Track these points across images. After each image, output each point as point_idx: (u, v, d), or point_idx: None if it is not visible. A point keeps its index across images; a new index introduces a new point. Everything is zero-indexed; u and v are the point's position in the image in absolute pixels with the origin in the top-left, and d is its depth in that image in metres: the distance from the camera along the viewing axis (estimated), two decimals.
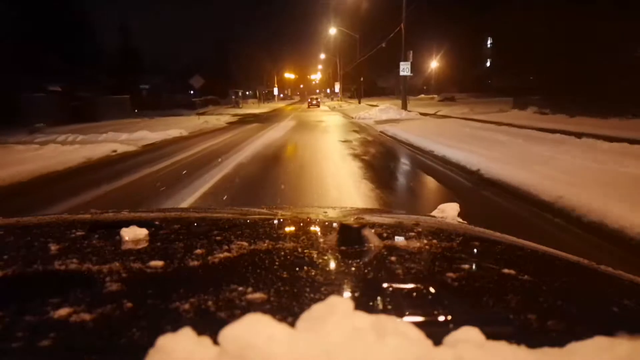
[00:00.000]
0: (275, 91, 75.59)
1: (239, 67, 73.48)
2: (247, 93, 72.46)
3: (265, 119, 24.21)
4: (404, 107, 22.10)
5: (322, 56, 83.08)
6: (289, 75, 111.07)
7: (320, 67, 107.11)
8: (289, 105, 57.96)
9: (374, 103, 40.52)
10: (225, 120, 22.27)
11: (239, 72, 72.23)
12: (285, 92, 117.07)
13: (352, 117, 21.75)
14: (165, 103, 43.21)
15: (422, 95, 55.84)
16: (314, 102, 43.97)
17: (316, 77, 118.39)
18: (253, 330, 0.39)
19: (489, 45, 51.64)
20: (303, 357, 0.37)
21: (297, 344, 0.38)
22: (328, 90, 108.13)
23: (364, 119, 19.68)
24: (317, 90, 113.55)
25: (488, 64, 52.49)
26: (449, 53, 51.22)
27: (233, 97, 48.79)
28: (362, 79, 54.32)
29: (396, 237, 0.92)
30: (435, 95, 48.90)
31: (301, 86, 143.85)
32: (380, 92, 65.75)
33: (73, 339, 0.50)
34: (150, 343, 0.38)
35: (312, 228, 1.07)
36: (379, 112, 20.61)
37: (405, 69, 21.34)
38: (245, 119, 24.70)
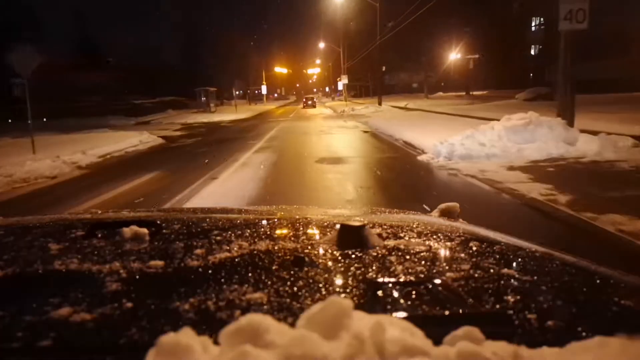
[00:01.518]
0: (264, 90, 63.70)
1: (212, 60, 61.86)
2: (238, 93, 63.64)
3: (218, 143, 13.88)
4: (569, 118, 9.19)
5: (322, 45, 70.78)
6: (281, 70, 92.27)
7: (318, 61, 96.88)
8: (279, 108, 49.43)
9: (402, 104, 32.25)
10: (94, 157, 11.05)
11: (214, 65, 60.29)
12: (279, 91, 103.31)
13: (422, 152, 9.29)
14: (97, 108, 33.59)
15: (441, 93, 47.37)
16: (309, 102, 45.47)
17: (314, 71, 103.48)
18: (253, 330, 0.42)
19: (534, 28, 43.03)
20: (303, 357, 0.40)
21: (297, 344, 0.41)
22: (327, 89, 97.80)
23: (496, 158, 7.96)
24: (314, 90, 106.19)
25: (533, 51, 43.83)
26: (477, 41, 41.51)
27: (203, 98, 38.99)
28: (384, 68, 44.57)
29: (396, 237, 0.97)
30: (460, 94, 41.85)
31: (297, 85, 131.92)
32: (389, 90, 55.18)
33: (73, 339, 0.54)
34: (150, 343, 0.41)
35: (312, 228, 1.12)
36: (505, 135, 8.40)
37: (575, 13, 9.17)
38: (173, 144, 14.82)
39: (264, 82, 64.33)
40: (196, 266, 0.77)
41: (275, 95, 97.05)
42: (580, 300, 0.72)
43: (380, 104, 30.99)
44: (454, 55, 43.75)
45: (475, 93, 43.15)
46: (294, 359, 0.40)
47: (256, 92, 73.51)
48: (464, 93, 44.05)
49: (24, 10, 42.31)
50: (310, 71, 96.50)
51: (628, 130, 9.80)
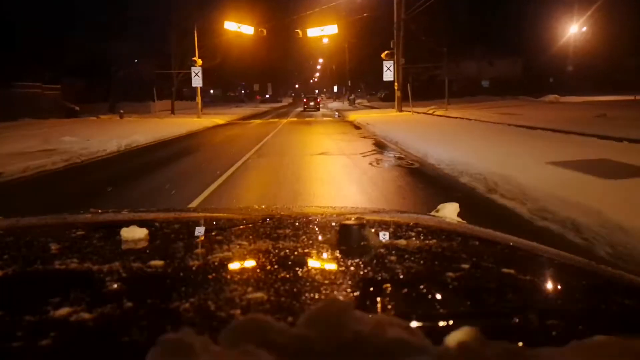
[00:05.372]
0: (195, 79, 25.30)
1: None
2: (214, 91, 40.80)
3: None
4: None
5: None
6: (241, 29, 26.09)
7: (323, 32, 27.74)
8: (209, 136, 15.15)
9: None
10: None
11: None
12: (256, 87, 64.48)
13: None
14: None
15: (555, 97, 27.18)
16: (312, 102, 37.08)
17: (318, 32, 26.59)
18: (253, 330, 0.43)
19: None
20: (303, 357, 0.40)
21: (296, 344, 0.41)
22: (335, 89, 72.43)
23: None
24: (316, 91, 79.34)
25: None
26: None
27: None
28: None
29: (396, 237, 0.97)
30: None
31: (297, 86, 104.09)
32: (438, 91, 29.39)
33: (73, 339, 0.54)
34: (150, 343, 0.42)
35: (312, 228, 1.15)
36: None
37: None
38: None
39: (198, 60, 25.81)
40: (196, 266, 0.78)
41: (267, 96, 65.15)
42: (581, 300, 0.72)
43: None
44: (575, 29, 23.07)
45: None
46: (294, 359, 0.40)
47: (238, 91, 49.22)
48: None
49: None
50: (312, 33, 26.40)
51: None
